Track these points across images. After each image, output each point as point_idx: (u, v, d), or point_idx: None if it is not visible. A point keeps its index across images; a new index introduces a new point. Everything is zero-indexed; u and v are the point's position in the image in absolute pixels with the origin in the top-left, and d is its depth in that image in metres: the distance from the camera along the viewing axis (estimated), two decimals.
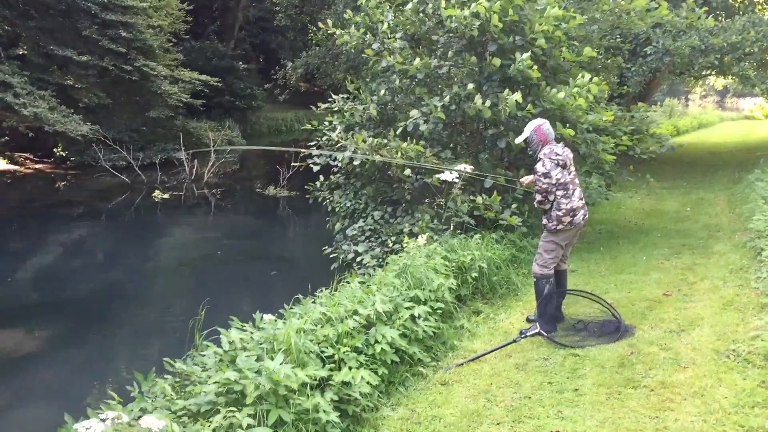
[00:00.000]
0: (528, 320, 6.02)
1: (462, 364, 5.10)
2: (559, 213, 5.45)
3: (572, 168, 5.63)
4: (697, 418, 3.96)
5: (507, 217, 7.46)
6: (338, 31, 9.35)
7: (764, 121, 40.35)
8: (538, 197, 5.52)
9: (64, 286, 10.52)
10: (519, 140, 5.79)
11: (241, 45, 36.60)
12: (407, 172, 7.76)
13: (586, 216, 5.71)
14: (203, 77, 23.47)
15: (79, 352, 7.92)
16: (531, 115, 7.33)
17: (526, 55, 7.18)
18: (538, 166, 5.46)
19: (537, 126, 5.61)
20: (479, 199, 7.34)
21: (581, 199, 5.63)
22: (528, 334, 5.42)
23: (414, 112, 8.04)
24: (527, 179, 5.98)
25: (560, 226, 5.50)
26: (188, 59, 26.32)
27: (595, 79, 7.43)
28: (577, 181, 5.67)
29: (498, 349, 5.33)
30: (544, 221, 5.62)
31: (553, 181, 5.41)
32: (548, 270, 5.64)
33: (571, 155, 5.65)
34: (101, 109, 20.67)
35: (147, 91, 21.46)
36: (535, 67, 7.33)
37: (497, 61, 7.46)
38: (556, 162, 5.43)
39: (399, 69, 8.27)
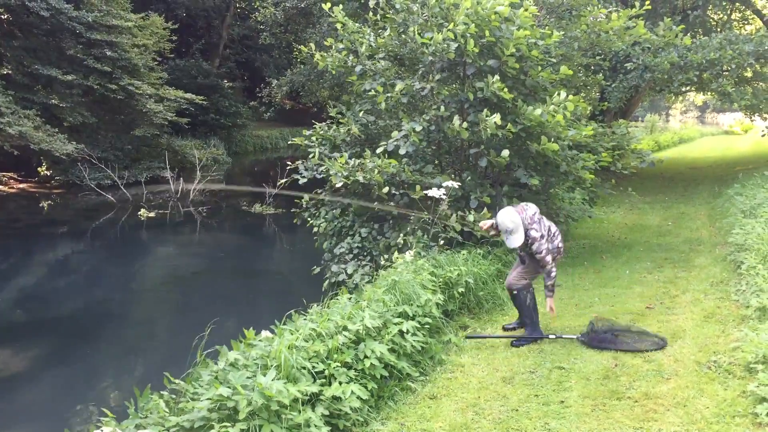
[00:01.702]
0: (504, 329, 6.27)
1: (474, 338, 5.48)
2: (553, 253, 5.79)
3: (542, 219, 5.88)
4: (680, 428, 4.05)
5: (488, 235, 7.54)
6: (318, 56, 9.46)
7: (743, 135, 40.98)
8: (549, 258, 5.66)
9: (49, 306, 10.48)
10: (517, 242, 5.62)
11: (225, 63, 36.76)
12: (386, 189, 7.86)
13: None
14: (188, 95, 23.54)
15: (67, 372, 7.89)
16: (512, 134, 7.47)
17: (495, 77, 7.35)
18: (533, 234, 5.61)
19: (515, 211, 5.68)
20: (470, 217, 7.43)
21: (557, 231, 5.99)
22: (522, 344, 5.75)
23: (395, 134, 8.17)
24: (550, 303, 5.91)
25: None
26: (173, 78, 26.42)
27: (572, 96, 7.59)
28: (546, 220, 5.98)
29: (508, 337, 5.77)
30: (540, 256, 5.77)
31: (546, 235, 5.72)
32: (526, 281, 5.96)
33: (535, 207, 5.88)
34: (86, 127, 20.67)
35: (132, 109, 21.50)
36: (506, 89, 7.46)
37: (470, 94, 7.63)
38: (537, 221, 5.70)
39: (381, 102, 8.30)
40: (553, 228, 5.93)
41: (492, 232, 6.21)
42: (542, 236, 5.65)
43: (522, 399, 4.65)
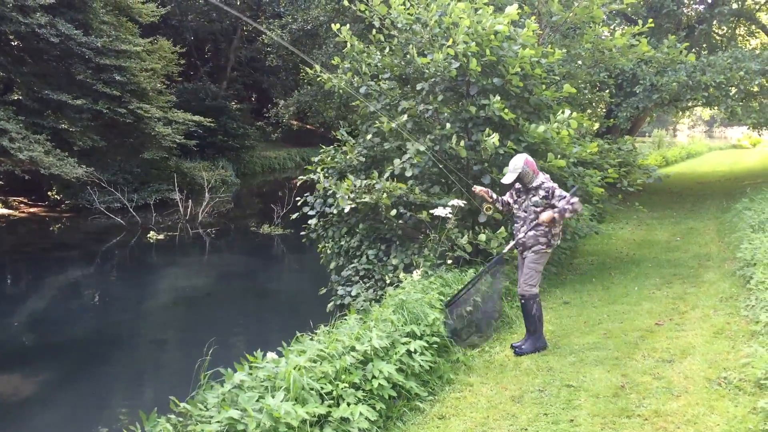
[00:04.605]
0: (512, 347, 6.22)
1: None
2: (557, 231, 5.97)
3: None
4: None
5: (513, 252, 7.53)
6: (326, 75, 9.54)
7: (752, 149, 40.88)
8: (577, 206, 5.81)
9: (60, 329, 10.52)
10: (510, 178, 5.93)
11: (233, 85, 37.04)
12: (393, 212, 7.90)
13: None
14: (196, 118, 23.70)
15: (77, 395, 7.91)
16: (513, 151, 7.53)
17: (496, 97, 7.42)
18: (558, 191, 5.87)
19: (526, 158, 5.95)
20: (482, 237, 7.44)
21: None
22: (527, 351, 5.95)
23: (397, 162, 8.23)
24: (546, 216, 5.89)
25: (557, 241, 6.02)
26: (181, 100, 26.63)
27: (577, 115, 7.64)
28: None
29: None
30: (544, 240, 5.92)
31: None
32: (536, 289, 6.04)
33: None
34: (96, 151, 20.81)
35: (141, 133, 21.63)
36: (507, 109, 7.53)
37: (473, 109, 7.69)
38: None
39: (388, 129, 8.39)
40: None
41: (486, 205, 6.56)
42: (560, 190, 5.86)
43: (531, 418, 4.64)
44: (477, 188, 6.44)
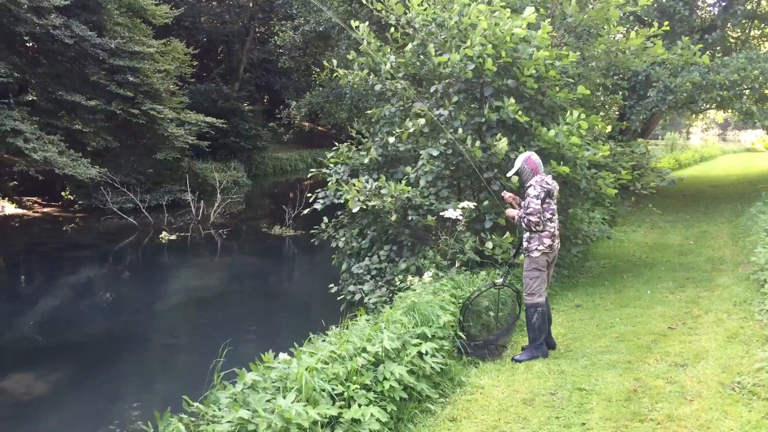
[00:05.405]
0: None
1: None
2: (544, 237, 5.83)
3: (555, 200, 6.00)
4: None
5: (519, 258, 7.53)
6: (341, 71, 9.55)
7: (765, 153, 40.58)
8: (533, 219, 5.75)
9: (74, 329, 10.57)
10: (511, 173, 6.08)
11: (245, 87, 37.13)
12: (394, 217, 7.89)
13: (559, 244, 6.15)
14: (209, 119, 23.79)
15: (89, 395, 7.94)
16: None
17: (511, 100, 7.42)
18: (530, 191, 5.84)
19: (527, 157, 6.00)
20: (489, 244, 7.44)
21: (556, 228, 6.00)
22: (522, 359, 5.93)
23: (408, 169, 8.24)
24: (512, 211, 6.16)
25: (543, 248, 5.84)
26: (194, 101, 26.72)
27: (591, 117, 7.62)
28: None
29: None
30: (528, 246, 5.89)
31: (543, 206, 5.77)
32: (538, 298, 5.93)
33: (557, 187, 6.05)
34: (109, 152, 20.95)
35: (154, 133, 21.76)
36: (520, 112, 7.53)
37: (493, 116, 7.68)
38: (545, 190, 5.81)
39: (405, 135, 8.42)
40: (557, 223, 5.97)
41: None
42: (537, 197, 5.75)
43: (543, 421, 4.61)
44: (506, 194, 6.43)
